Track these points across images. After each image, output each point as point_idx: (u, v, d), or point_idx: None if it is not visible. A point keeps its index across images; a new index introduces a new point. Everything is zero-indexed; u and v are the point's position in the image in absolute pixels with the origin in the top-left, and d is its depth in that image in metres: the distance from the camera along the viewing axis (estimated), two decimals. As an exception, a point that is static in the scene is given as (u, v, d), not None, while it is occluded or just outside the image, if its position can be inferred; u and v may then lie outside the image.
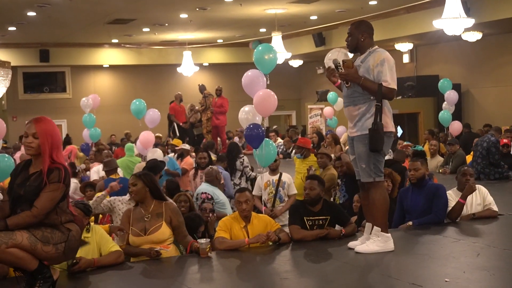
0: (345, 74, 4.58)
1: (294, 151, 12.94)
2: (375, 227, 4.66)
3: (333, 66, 4.76)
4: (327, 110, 14.78)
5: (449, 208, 5.67)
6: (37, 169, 3.58)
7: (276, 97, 6.63)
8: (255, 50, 6.71)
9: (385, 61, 4.55)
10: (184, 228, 4.86)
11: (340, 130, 13.78)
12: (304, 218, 5.19)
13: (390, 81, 4.54)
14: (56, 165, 3.56)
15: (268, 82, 6.69)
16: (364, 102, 4.59)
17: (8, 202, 3.60)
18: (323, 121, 16.78)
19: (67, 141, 16.38)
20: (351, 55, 4.92)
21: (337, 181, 7.62)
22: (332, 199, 7.69)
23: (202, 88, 15.24)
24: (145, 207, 4.81)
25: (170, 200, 5.40)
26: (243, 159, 9.16)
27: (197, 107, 15.28)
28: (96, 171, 9.29)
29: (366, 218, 4.92)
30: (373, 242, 4.63)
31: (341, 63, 4.61)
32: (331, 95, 15.01)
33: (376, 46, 4.71)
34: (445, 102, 12.24)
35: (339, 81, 4.83)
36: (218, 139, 14.37)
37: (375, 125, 4.51)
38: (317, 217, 5.20)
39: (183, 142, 12.10)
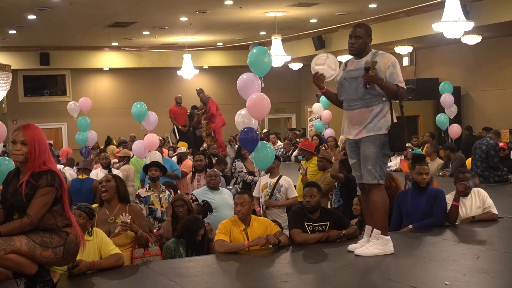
0: (373, 75, 4.55)
1: (296, 152, 12.98)
2: (375, 229, 4.66)
3: (320, 71, 4.77)
4: (326, 113, 14.70)
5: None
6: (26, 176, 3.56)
7: (269, 100, 6.61)
8: (250, 53, 6.70)
9: (396, 63, 4.67)
10: (147, 230, 5.07)
11: (328, 132, 13.72)
12: (305, 223, 5.19)
13: (403, 81, 4.68)
14: (43, 169, 3.53)
15: (263, 85, 6.69)
16: (378, 103, 4.63)
17: (2, 210, 3.58)
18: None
19: (108, 142, 16.37)
20: (333, 59, 4.89)
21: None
22: (329, 203, 7.71)
23: (200, 92, 15.26)
24: (110, 208, 5.04)
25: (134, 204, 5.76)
26: (235, 165, 9.20)
27: (196, 111, 15.31)
28: (95, 175, 9.25)
29: (366, 220, 4.92)
30: (373, 245, 4.63)
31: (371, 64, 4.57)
32: (324, 98, 14.87)
33: (374, 49, 4.77)
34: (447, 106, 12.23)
35: (325, 88, 4.84)
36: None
37: (396, 124, 4.59)
38: (317, 223, 5.20)
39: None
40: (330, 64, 4.87)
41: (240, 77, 6.73)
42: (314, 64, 4.90)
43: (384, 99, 4.63)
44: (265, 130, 17.93)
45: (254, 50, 6.70)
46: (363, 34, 4.71)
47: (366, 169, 4.63)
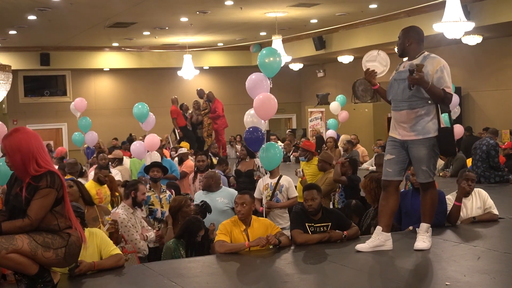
0: (418, 78, 4.61)
1: (295, 153, 12.98)
2: (425, 224, 4.80)
3: (371, 67, 4.88)
4: (343, 113, 14.56)
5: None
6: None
7: (276, 100, 6.61)
8: (259, 54, 6.67)
9: (444, 68, 4.74)
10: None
11: (330, 133, 13.69)
12: (306, 224, 5.19)
13: (450, 86, 4.76)
14: (42, 170, 3.51)
15: (271, 86, 6.69)
16: (423, 106, 4.71)
17: (5, 211, 3.58)
18: (323, 124, 16.75)
19: (131, 140, 16.35)
20: (384, 56, 5.06)
21: (338, 184, 7.65)
22: (331, 203, 7.71)
23: (201, 93, 15.23)
24: None
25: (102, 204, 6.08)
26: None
27: (198, 111, 15.29)
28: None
29: (379, 219, 4.90)
30: (426, 238, 4.75)
31: (415, 67, 4.64)
32: (340, 97, 14.81)
33: (427, 52, 4.83)
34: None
35: (378, 84, 4.92)
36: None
37: (444, 129, 4.72)
38: (319, 224, 5.19)
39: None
40: (381, 61, 5.05)
41: (249, 77, 6.70)
42: (365, 61, 5.04)
43: (429, 102, 4.71)
44: (288, 131, 18.09)
45: (264, 51, 6.68)
46: (401, 36, 4.89)
47: (421, 170, 4.78)
